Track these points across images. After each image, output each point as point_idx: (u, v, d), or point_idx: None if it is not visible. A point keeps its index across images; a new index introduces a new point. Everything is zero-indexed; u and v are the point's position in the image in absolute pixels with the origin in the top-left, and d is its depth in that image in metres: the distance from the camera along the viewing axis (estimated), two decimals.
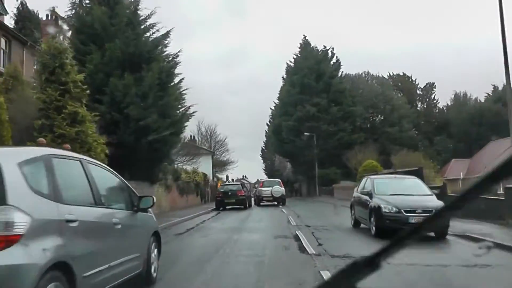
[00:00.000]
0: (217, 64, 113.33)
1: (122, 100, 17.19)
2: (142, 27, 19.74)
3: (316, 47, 52.33)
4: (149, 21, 19.76)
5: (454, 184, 39.47)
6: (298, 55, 52.48)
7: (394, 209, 10.26)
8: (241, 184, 29.64)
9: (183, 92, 20.23)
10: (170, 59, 19.87)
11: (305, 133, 45.81)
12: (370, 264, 0.85)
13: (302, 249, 8.86)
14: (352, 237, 11.18)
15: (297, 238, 10.52)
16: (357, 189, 13.35)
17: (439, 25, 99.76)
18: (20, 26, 32.17)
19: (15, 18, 35.57)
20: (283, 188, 30.86)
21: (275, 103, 56.69)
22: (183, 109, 20.24)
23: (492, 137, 50.15)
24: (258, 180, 50.26)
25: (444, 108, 62.89)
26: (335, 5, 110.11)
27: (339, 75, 51.57)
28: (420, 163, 29.55)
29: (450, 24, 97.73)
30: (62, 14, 19.98)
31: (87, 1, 19.48)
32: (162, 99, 18.32)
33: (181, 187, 27.86)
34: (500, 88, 59.02)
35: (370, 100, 53.23)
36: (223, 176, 60.08)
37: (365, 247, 9.04)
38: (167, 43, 19.64)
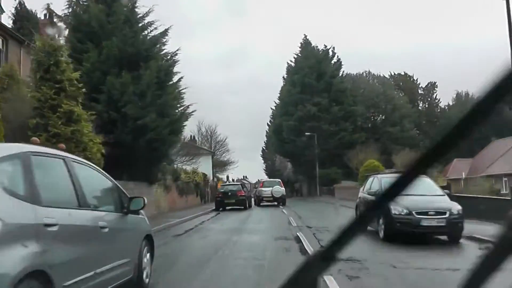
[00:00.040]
0: (217, 64, 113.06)
1: (120, 98, 16.85)
2: (140, 25, 19.40)
3: (316, 46, 52.03)
4: (147, 19, 19.43)
5: (457, 184, 39.12)
6: (299, 54, 52.15)
7: (405, 211, 9.59)
8: (241, 184, 29.31)
9: (182, 91, 19.92)
10: (168, 57, 19.53)
11: (306, 133, 45.46)
12: (327, 257, 0.82)
13: (303, 251, 8.52)
14: (356, 240, 10.82)
15: (298, 240, 10.19)
16: (363, 189, 12.69)
17: (440, 25, 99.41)
18: (18, 26, 31.89)
19: (13, 18, 35.34)
20: (284, 188, 30.58)
21: (275, 102, 56.41)
22: (182, 108, 19.91)
23: (491, 137, 49.87)
24: (258, 180, 49.99)
25: (446, 107, 62.53)
26: (336, 4, 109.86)
27: (340, 74, 51.23)
28: None
29: (450, 23, 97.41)
30: (59, 13, 19.72)
31: None
32: (161, 98, 17.98)
33: (180, 188, 27.52)
34: None
35: (371, 99, 52.90)
36: (223, 176, 59.77)
37: (370, 250, 8.70)
38: (166, 41, 19.34)
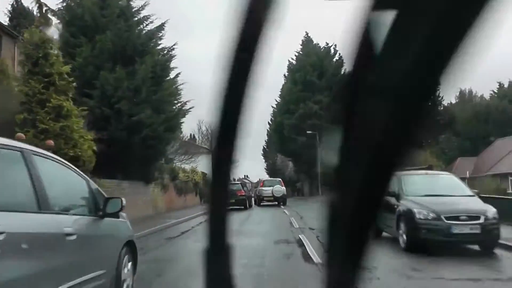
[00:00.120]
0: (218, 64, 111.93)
1: (113, 94, 16.14)
2: (135, 19, 18.70)
3: (318, 44, 51.25)
4: (143, 13, 18.75)
5: None
6: (300, 52, 51.38)
7: (431, 215, 8.11)
8: (241, 183, 28.57)
9: (179, 87, 19.20)
10: (165, 52, 18.81)
11: (308, 131, 44.71)
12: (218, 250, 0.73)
13: (306, 257, 7.80)
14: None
15: (300, 243, 9.46)
16: None
17: None
18: (14, 23, 31.28)
19: (10, 15, 34.75)
20: (284, 188, 29.98)
21: (276, 101, 55.64)
22: (179, 104, 19.19)
23: (492, 137, 49.18)
24: (259, 179, 49.27)
25: (448, 105, 61.74)
26: (336, 3, 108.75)
27: (342, 72, 50.41)
28: (427, 161, 28.54)
29: None
30: (54, 7, 19.08)
31: None
32: (156, 93, 17.27)
33: (178, 187, 26.82)
34: (506, 85, 57.99)
35: None
36: None
37: (381, 256, 7.95)
38: (162, 36, 18.60)
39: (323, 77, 47.62)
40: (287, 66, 52.53)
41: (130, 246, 4.96)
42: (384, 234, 10.03)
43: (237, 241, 7.01)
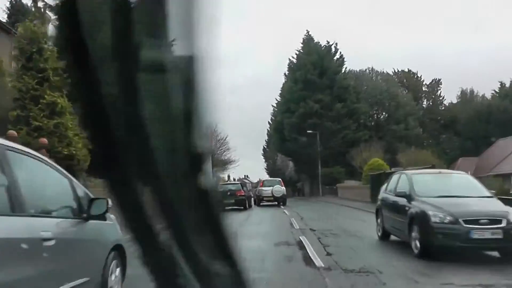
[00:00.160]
0: (219, 64, 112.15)
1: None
2: None
3: (319, 42, 50.87)
4: None
5: None
6: (301, 50, 50.99)
7: (448, 218, 7.24)
8: (240, 183, 28.22)
9: None
10: None
11: (308, 131, 44.34)
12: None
13: (307, 260, 7.44)
14: (366, 245, 9.62)
15: (301, 246, 9.10)
16: (386, 189, 10.23)
17: (443, 21, 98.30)
18: (13, 20, 30.99)
19: (8, 12, 34.44)
20: (284, 188, 29.66)
21: (277, 100, 55.28)
22: None
23: (492, 138, 48.79)
24: (260, 179, 48.94)
25: (449, 104, 61.37)
26: (337, 1, 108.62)
27: (343, 71, 50.07)
28: (429, 161, 28.18)
29: (453, 21, 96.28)
30: (51, 3, 18.72)
31: None
32: None
33: None
34: (507, 84, 57.57)
35: (374, 97, 51.79)
36: (224, 176, 58.79)
37: (387, 259, 7.58)
38: None
39: (324, 76, 47.25)
40: (288, 65, 52.23)
41: (119, 251, 4.59)
42: (392, 237, 9.46)
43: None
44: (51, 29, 18.95)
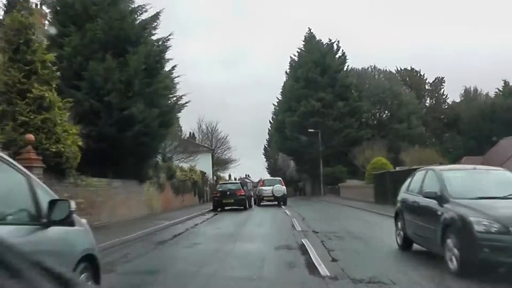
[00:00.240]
0: (220, 64, 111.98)
1: (103, 86, 15.07)
2: (130, 9, 17.63)
3: (321, 40, 50.16)
4: (137, 2, 17.68)
5: None
6: (302, 48, 50.29)
7: (495, 225, 5.67)
8: (240, 183, 27.56)
9: (175, 80, 18.09)
10: (160, 43, 17.70)
11: (310, 130, 43.63)
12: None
13: (311, 267, 6.73)
14: (373, 250, 8.91)
15: (303, 250, 8.40)
16: (407, 188, 8.60)
17: (445, 21, 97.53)
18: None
19: (5, 8, 33.82)
20: (285, 187, 29.11)
21: (278, 98, 54.57)
22: (174, 98, 18.11)
23: (494, 137, 48.06)
24: (261, 179, 48.31)
25: (453, 102, 60.59)
26: (338, 0, 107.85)
27: (345, 69, 49.35)
28: (433, 160, 27.47)
29: (455, 20, 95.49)
30: None
31: None
32: (150, 86, 16.19)
33: (176, 186, 25.75)
34: (511, 83, 56.79)
35: (377, 95, 51.05)
36: (225, 175, 58.21)
37: (400, 267, 6.87)
38: (157, 25, 17.50)
39: (326, 74, 46.54)
40: (289, 63, 51.56)
41: (90, 261, 3.89)
42: (416, 246, 7.86)
43: (234, 247, 5.91)
44: (46, 24, 18.41)
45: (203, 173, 35.12)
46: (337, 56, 49.17)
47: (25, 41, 12.05)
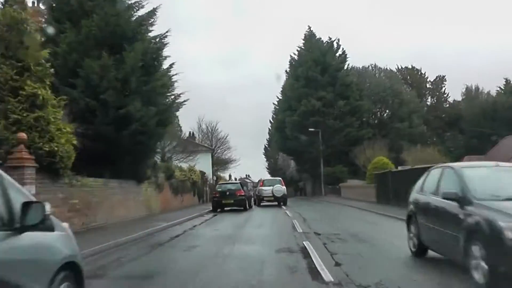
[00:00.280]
0: (220, 64, 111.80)
1: (99, 84, 14.71)
2: (126, 5, 17.25)
3: (321, 38, 49.79)
4: None
5: None
6: (302, 47, 49.92)
7: None
8: (240, 183, 27.19)
9: (173, 78, 17.70)
10: (157, 40, 17.31)
11: (310, 129, 43.26)
12: None
13: (313, 272, 6.37)
14: (378, 253, 8.49)
15: (305, 253, 8.03)
16: (421, 189, 7.58)
17: (446, 20, 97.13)
18: None
19: (2, 6, 33.48)
20: (285, 187, 28.82)
21: (278, 97, 54.20)
22: (172, 97, 17.73)
23: (493, 136, 47.67)
24: (261, 179, 47.97)
25: (454, 101, 60.21)
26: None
27: (345, 67, 48.97)
28: (435, 159, 27.11)
29: (456, 19, 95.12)
30: None
31: None
32: (147, 84, 15.82)
33: (174, 186, 25.39)
34: None
35: (378, 94, 50.68)
36: (225, 175, 57.90)
37: (406, 270, 6.48)
38: (153, 22, 17.12)
39: (326, 73, 46.18)
40: (289, 61, 51.20)
41: (72, 270, 3.53)
42: (431, 253, 6.96)
43: (233, 249, 5.49)
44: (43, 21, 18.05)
45: (202, 173, 34.76)
46: (337, 54, 48.81)
47: (17, 37, 11.69)
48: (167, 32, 17.41)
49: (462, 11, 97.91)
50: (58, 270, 3.29)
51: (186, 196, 28.52)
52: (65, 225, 3.74)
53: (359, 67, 54.12)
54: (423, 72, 60.63)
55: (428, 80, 60.84)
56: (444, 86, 60.95)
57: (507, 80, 55.73)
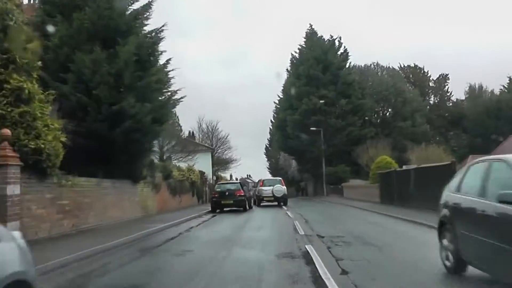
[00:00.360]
0: (220, 65, 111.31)
1: (91, 79, 14.05)
2: None
3: (322, 37, 49.07)
4: None
5: None
6: (303, 45, 49.22)
7: None
8: (240, 183, 26.52)
9: (170, 74, 17.02)
10: (153, 35, 16.63)
11: (312, 128, 42.57)
12: None
13: (318, 281, 5.68)
14: (387, 258, 7.76)
15: (308, 259, 7.34)
16: (458, 188, 6.00)
17: (448, 19, 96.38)
18: None
19: None
20: (285, 187, 28.29)
21: (279, 96, 53.52)
22: (169, 93, 17.05)
23: (493, 135, 46.91)
24: (261, 179, 47.31)
25: (457, 99, 59.43)
26: None
27: (347, 66, 48.24)
28: (441, 159, 26.40)
29: (454, 20, 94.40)
30: None
31: None
32: (142, 79, 15.15)
33: (172, 187, 24.72)
34: None
35: (380, 92, 49.96)
36: (226, 175, 57.30)
37: (420, 278, 5.75)
38: (149, 15, 16.44)
39: (327, 71, 45.48)
40: (290, 60, 50.49)
41: None
42: (472, 269, 5.51)
43: (230, 255, 4.69)
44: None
45: (202, 173, 34.08)
46: (339, 52, 48.11)
47: (2, 28, 11.03)
48: (163, 26, 16.76)
49: (462, 11, 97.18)
50: None
51: (185, 196, 27.85)
52: (17, 234, 3.06)
53: (361, 66, 53.44)
54: (426, 71, 59.94)
55: (431, 78, 60.11)
56: (447, 85, 60.23)
57: (510, 79, 54.97)
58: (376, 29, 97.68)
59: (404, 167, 25.76)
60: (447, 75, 60.21)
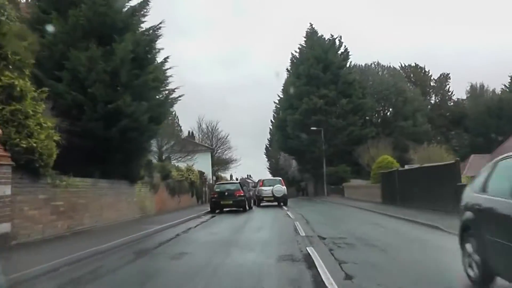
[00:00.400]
0: (219, 64, 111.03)
1: (86, 76, 13.72)
2: None
3: (322, 36, 48.75)
4: None
5: None
6: (304, 44, 48.90)
7: None
8: (239, 183, 26.19)
9: (167, 73, 16.67)
10: (150, 32, 16.29)
11: (312, 128, 42.24)
12: None
13: (320, 287, 5.35)
14: (392, 261, 7.43)
15: (309, 262, 7.01)
16: (483, 188, 5.26)
17: (449, 18, 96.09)
18: None
19: None
20: (285, 187, 28.06)
21: (279, 96, 53.20)
22: (166, 92, 16.71)
23: (492, 134, 46.57)
24: (260, 179, 47.00)
25: (459, 99, 59.12)
26: None
27: (348, 65, 47.91)
28: (442, 158, 26.11)
29: (454, 20, 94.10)
30: None
31: None
32: (138, 78, 14.81)
33: (171, 187, 24.38)
34: None
35: (381, 92, 49.66)
36: (226, 175, 57.02)
37: (429, 282, 5.42)
38: (146, 12, 16.11)
39: (328, 71, 45.15)
40: (290, 59, 50.17)
41: None
42: (502, 282, 4.68)
43: (227, 258, 4.32)
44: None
45: (201, 173, 33.75)
46: (339, 52, 47.79)
47: None
48: (160, 23, 16.41)
49: (462, 11, 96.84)
50: None
51: (184, 196, 27.52)
52: None
53: (361, 65, 53.16)
54: (427, 70, 59.63)
55: (432, 78, 59.81)
56: (448, 84, 59.94)
57: None
58: (377, 29, 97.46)
59: (407, 167, 25.44)
60: (448, 74, 59.95)
